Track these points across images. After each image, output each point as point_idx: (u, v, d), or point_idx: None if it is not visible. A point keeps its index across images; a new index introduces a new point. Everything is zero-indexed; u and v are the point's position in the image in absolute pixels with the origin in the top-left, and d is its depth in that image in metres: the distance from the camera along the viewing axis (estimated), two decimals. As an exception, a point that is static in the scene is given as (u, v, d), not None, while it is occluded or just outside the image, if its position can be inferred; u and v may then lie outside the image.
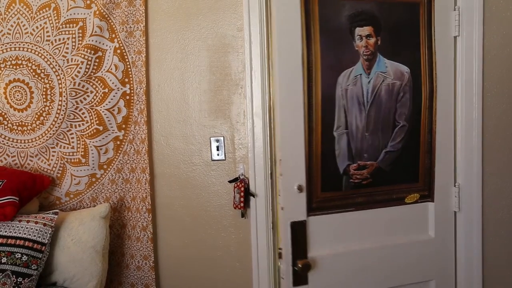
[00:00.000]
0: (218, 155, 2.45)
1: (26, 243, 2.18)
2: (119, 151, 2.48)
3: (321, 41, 1.74)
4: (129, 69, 2.44)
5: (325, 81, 1.75)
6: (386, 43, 1.80)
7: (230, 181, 2.41)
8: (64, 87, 2.44)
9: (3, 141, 2.53)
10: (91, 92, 2.44)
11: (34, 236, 2.21)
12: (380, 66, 1.80)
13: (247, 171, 2.42)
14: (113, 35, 2.42)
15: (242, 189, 2.36)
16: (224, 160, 2.45)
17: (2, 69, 2.47)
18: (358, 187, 1.83)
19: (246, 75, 2.40)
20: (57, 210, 2.32)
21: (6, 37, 2.48)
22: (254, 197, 2.38)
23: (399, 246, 1.91)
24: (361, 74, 1.79)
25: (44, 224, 2.25)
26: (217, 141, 2.45)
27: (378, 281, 1.88)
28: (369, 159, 1.82)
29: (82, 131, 2.47)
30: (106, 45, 2.42)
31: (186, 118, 2.48)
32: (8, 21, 2.47)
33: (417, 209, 1.94)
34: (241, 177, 2.40)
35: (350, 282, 1.85)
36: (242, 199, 2.35)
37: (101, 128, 2.45)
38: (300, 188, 1.74)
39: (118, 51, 2.43)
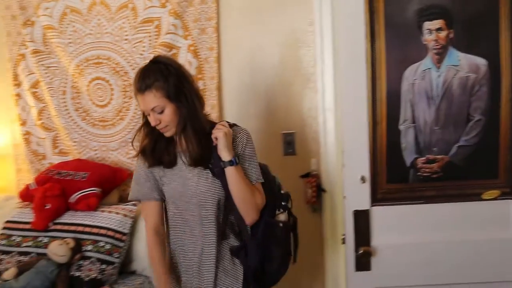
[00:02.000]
0: (289, 150, 2.45)
1: (109, 233, 2.31)
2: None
3: (386, 36, 1.77)
4: (202, 66, 2.49)
5: (390, 75, 1.78)
6: (459, 35, 1.79)
7: (301, 176, 2.41)
8: (141, 84, 2.54)
9: (86, 135, 2.68)
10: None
11: (116, 226, 2.33)
12: (452, 59, 1.79)
13: (319, 166, 2.41)
14: (187, 33, 2.48)
15: (314, 184, 2.35)
16: (295, 155, 2.45)
17: (85, 67, 2.61)
18: (427, 181, 1.83)
19: (317, 69, 2.38)
20: (135, 202, 2.43)
21: (88, 37, 2.61)
22: (325, 192, 2.37)
23: (472, 242, 1.86)
24: (430, 68, 1.79)
25: (125, 215, 2.36)
26: (288, 136, 2.45)
27: (444, 276, 1.86)
28: (439, 153, 1.82)
29: (158, 126, 2.55)
30: (180, 43, 2.49)
31: (257, 113, 2.51)
32: (90, 22, 2.60)
33: (497, 206, 1.87)
34: (312, 172, 2.40)
35: (413, 273, 1.86)
36: (314, 194, 2.35)
37: (176, 123, 2.53)
38: (363, 179, 1.80)
39: (192, 48, 2.49)
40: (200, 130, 1.60)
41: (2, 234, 2.42)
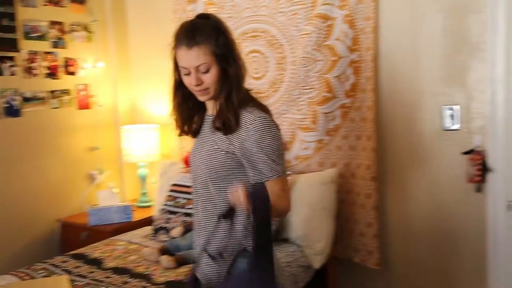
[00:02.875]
0: (451, 124, 2.30)
1: (264, 200, 2.40)
2: (346, 118, 2.52)
3: None
4: (358, 36, 2.42)
5: None
6: None
7: (464, 153, 2.25)
8: (296, 56, 2.56)
9: (242, 107, 2.80)
10: (321, 60, 2.51)
11: (271, 194, 2.42)
12: None
13: (485, 143, 2.22)
14: (343, 3, 2.43)
15: (478, 162, 2.18)
16: (458, 130, 2.29)
17: (243, 41, 2.71)
18: None
19: (487, 38, 2.17)
20: (289, 172, 2.49)
21: (246, 11, 2.70)
22: (491, 171, 2.19)
23: None
24: None
25: (278, 184, 2.44)
26: (451, 109, 2.29)
27: None
28: None
29: (312, 98, 2.57)
30: (336, 13, 2.45)
31: (415, 85, 2.38)
32: (247, -4, 2.69)
33: None
34: (477, 149, 2.22)
35: None
36: (477, 172, 2.18)
37: (329, 95, 2.52)
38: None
39: (348, 18, 2.43)
40: (240, 100, 1.42)
41: (169, 195, 2.67)
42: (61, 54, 3.01)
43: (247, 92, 1.49)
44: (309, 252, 2.42)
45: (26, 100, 2.84)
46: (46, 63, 2.92)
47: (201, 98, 1.44)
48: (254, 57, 2.71)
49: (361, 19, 2.42)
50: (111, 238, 2.64)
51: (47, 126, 2.96)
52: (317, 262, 2.43)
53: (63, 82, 3.03)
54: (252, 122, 1.40)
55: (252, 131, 1.39)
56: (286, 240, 2.48)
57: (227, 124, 1.41)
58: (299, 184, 2.49)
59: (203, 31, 1.38)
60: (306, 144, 2.64)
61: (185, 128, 1.54)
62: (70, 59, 3.06)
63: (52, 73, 2.96)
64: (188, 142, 3.06)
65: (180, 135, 1.58)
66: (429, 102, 2.35)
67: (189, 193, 2.58)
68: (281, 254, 2.32)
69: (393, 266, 2.57)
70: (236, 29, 2.71)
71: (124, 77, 3.34)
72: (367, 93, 2.45)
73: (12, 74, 2.76)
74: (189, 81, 1.41)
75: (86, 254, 2.37)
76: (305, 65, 2.54)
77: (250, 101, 1.47)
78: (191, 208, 2.52)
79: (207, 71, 1.38)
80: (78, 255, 2.37)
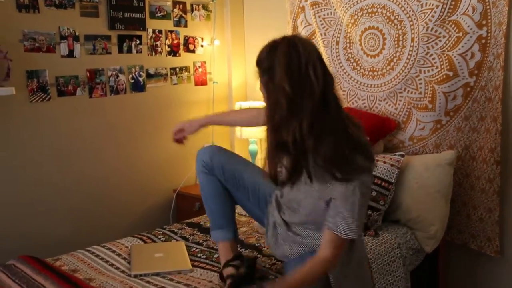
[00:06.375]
0: None
1: (376, 180, 2.36)
2: (468, 98, 2.39)
3: None
4: (488, 10, 2.26)
5: None
6: None
7: None
8: (416, 32, 2.47)
9: (355, 85, 2.77)
10: (444, 36, 2.39)
11: (383, 174, 2.37)
12: None
13: None
14: (471, -25, 2.28)
15: None
16: None
17: (359, 17, 2.66)
18: None
19: None
20: (403, 153, 2.43)
21: (364, -14, 2.64)
22: None
23: None
24: None
25: (392, 165, 2.38)
26: None
27: None
28: None
29: (431, 76, 2.46)
30: (463, -14, 2.31)
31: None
32: (366, -29, 2.62)
33: None
34: None
35: None
36: None
37: (451, 73, 2.39)
38: None
39: (477, -9, 2.28)
40: None
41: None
42: (182, 32, 3.17)
43: None
44: (421, 235, 2.36)
45: (150, 76, 3.04)
46: (168, 41, 3.10)
47: None
48: (371, 34, 2.65)
49: (492, -8, 2.26)
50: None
51: (167, 101, 3.15)
52: (428, 246, 2.36)
53: (183, 59, 3.20)
54: None
55: None
56: (396, 221, 2.44)
57: None
58: (412, 166, 2.42)
59: None
60: (422, 124, 2.54)
61: None
62: (190, 37, 3.22)
63: (173, 51, 3.14)
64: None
65: None
66: None
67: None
68: (391, 236, 2.29)
69: (510, 254, 2.42)
70: (353, 5, 2.66)
71: (238, 55, 3.44)
72: (495, 72, 2.29)
73: (139, 52, 2.97)
74: None
75: (201, 223, 2.50)
76: (426, 42, 2.44)
77: None
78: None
79: None
80: (193, 223, 2.49)
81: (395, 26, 2.54)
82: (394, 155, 2.42)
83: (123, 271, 1.95)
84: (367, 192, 1.52)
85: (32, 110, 2.55)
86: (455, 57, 2.37)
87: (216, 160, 1.82)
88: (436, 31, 2.40)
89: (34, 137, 2.58)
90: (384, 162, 2.39)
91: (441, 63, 2.41)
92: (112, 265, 2.02)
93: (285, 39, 1.44)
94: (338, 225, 1.48)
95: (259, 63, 1.48)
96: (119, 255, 2.10)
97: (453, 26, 2.35)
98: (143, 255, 2.04)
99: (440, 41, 2.40)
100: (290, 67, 1.38)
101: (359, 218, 1.48)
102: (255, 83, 3.38)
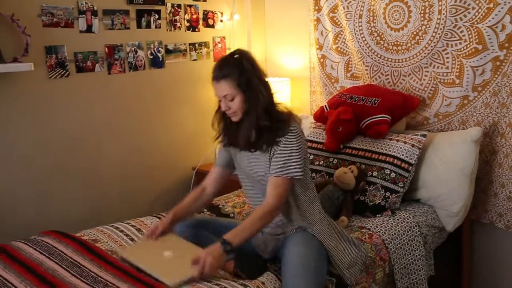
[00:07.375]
0: None
1: (395, 161, 2.30)
2: (498, 73, 2.29)
3: None
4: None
5: None
6: None
7: None
8: (444, 4, 2.37)
9: (379, 60, 2.69)
10: (473, 8, 2.28)
11: (403, 155, 2.30)
12: None
13: None
14: None
15: None
16: None
17: (384, -10, 2.57)
18: None
19: None
20: (425, 133, 2.35)
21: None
22: None
23: None
24: None
25: (413, 145, 2.30)
26: None
27: None
28: None
29: (459, 50, 2.37)
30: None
31: None
32: None
33: None
34: None
35: None
36: None
37: (480, 47, 2.30)
38: None
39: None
40: (255, 120, 1.75)
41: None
42: (201, 7, 3.11)
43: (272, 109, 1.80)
44: (443, 213, 2.30)
45: (169, 52, 3.00)
46: (187, 16, 3.05)
47: (233, 119, 1.81)
48: (396, 7, 2.55)
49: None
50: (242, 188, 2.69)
51: (186, 77, 3.12)
52: (450, 225, 2.31)
53: (202, 34, 3.15)
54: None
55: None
56: (418, 200, 2.38)
57: (244, 145, 1.83)
58: (436, 143, 2.35)
59: (228, 67, 1.73)
60: (449, 100, 2.46)
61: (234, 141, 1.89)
62: (209, 11, 3.16)
63: (192, 26, 3.09)
64: (318, 97, 3.03)
65: (225, 146, 1.95)
66: None
67: (319, 149, 2.57)
68: (408, 214, 2.24)
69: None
70: (378, -24, 2.58)
71: (258, 30, 3.37)
72: (529, 44, 2.19)
73: (157, 27, 2.92)
74: (221, 106, 1.80)
75: (219, 206, 2.43)
76: (454, 14, 2.34)
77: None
78: (320, 165, 2.51)
79: (232, 100, 1.75)
80: (213, 206, 2.41)
81: (422, -2, 2.45)
82: (416, 135, 2.35)
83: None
84: (300, 140, 1.78)
85: (50, 87, 2.55)
86: (484, 29, 2.27)
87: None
88: (465, 2, 2.30)
89: (53, 113, 2.58)
90: (405, 143, 2.32)
91: (470, 36, 2.32)
92: (132, 239, 2.02)
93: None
94: (277, 169, 1.75)
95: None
96: (138, 230, 2.10)
97: (484, -4, 2.25)
98: (149, 245, 1.84)
99: (469, 13, 2.30)
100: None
101: (296, 161, 1.75)
102: (276, 59, 3.33)
